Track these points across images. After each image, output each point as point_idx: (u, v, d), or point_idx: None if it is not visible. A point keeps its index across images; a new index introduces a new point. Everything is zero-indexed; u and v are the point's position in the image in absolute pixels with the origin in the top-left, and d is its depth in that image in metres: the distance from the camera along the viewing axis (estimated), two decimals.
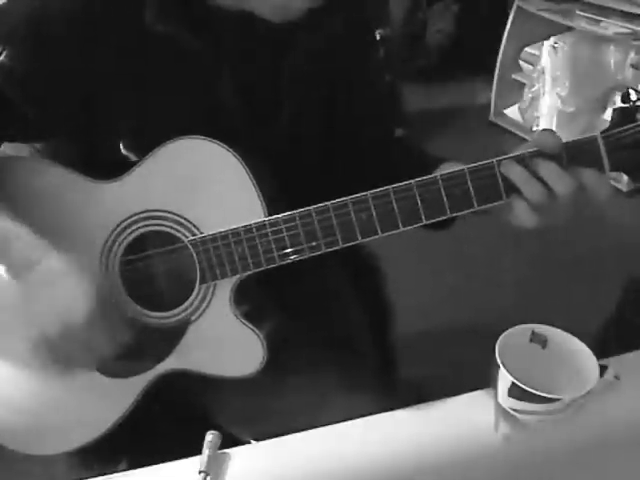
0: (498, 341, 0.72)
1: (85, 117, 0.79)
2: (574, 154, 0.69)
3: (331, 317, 0.96)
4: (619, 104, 0.70)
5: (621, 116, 0.69)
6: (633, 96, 0.68)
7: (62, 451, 0.86)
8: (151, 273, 0.82)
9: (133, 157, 0.80)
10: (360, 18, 0.89)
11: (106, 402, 0.84)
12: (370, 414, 0.78)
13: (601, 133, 0.69)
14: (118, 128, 0.80)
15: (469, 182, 0.71)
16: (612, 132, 0.69)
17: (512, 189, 0.70)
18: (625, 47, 2.42)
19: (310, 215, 0.73)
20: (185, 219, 0.77)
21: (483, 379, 0.75)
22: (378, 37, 0.93)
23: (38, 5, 0.76)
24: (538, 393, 0.68)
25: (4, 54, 0.74)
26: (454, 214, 0.72)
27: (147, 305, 0.81)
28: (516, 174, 0.70)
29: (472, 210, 0.72)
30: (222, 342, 0.80)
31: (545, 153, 0.70)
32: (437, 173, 0.72)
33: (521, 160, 0.70)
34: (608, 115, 2.46)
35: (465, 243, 1.88)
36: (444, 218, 0.73)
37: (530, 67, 2.75)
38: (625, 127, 0.68)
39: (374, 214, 0.72)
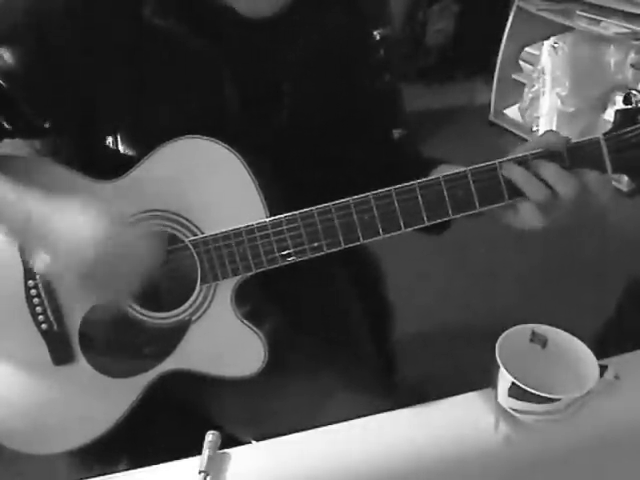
0: (498, 341, 0.72)
1: (84, 114, 0.79)
2: (576, 156, 0.70)
3: (332, 317, 0.96)
4: (621, 105, 0.70)
5: (623, 118, 0.69)
6: (636, 97, 0.68)
7: (62, 451, 0.86)
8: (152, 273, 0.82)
9: (132, 155, 0.80)
10: (360, 18, 0.89)
11: (106, 402, 0.84)
12: (370, 414, 0.78)
13: (603, 135, 0.69)
14: (117, 125, 0.80)
15: (471, 183, 0.71)
16: (614, 134, 0.69)
17: (515, 191, 0.71)
18: (625, 47, 2.42)
19: (312, 216, 0.73)
20: (186, 219, 0.77)
21: (483, 379, 0.75)
22: (378, 37, 0.92)
23: (35, 1, 0.76)
24: (538, 393, 0.68)
25: (2, 51, 0.74)
26: (456, 215, 0.72)
27: (148, 305, 0.81)
28: (518, 175, 0.70)
29: (474, 212, 0.72)
30: (223, 342, 0.80)
31: (547, 155, 0.70)
32: (436, 175, 0.72)
33: (523, 162, 0.70)
34: (608, 115, 2.46)
35: (466, 243, 1.88)
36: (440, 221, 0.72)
37: (530, 67, 2.75)
38: (627, 129, 0.68)
39: (376, 215, 0.72)
